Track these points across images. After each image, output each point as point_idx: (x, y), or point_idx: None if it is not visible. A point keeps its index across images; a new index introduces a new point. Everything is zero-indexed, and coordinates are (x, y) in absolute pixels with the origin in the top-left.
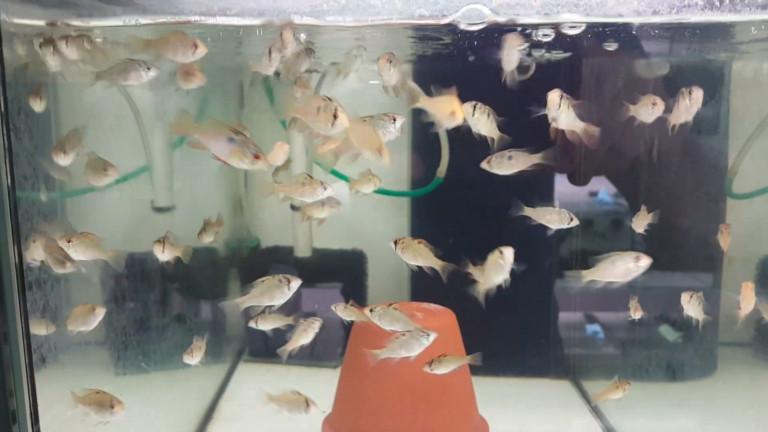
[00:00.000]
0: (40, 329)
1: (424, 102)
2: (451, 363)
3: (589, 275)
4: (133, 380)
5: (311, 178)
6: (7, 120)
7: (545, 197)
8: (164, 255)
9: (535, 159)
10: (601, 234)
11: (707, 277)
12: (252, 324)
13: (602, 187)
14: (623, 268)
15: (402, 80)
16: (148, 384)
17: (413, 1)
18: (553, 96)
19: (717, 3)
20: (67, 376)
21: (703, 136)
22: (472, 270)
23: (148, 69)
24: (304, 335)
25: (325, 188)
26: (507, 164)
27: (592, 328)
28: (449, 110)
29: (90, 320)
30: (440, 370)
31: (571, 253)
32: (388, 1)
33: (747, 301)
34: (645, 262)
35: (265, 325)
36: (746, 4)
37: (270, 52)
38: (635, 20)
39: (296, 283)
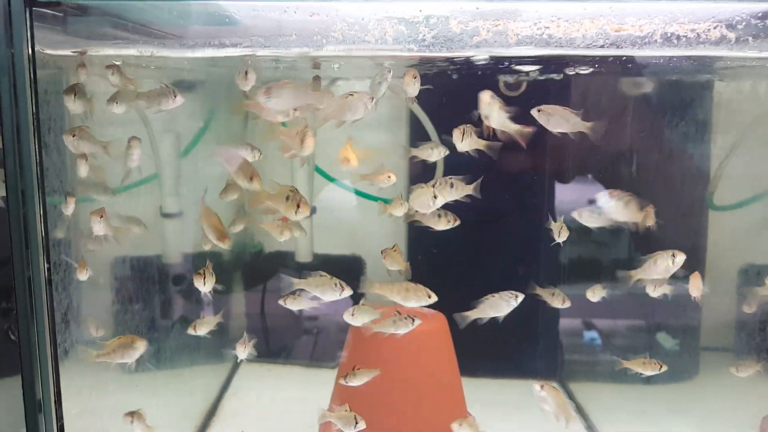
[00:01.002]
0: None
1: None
2: (364, 375)
3: (636, 275)
4: (142, 378)
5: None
6: (39, 138)
7: (538, 202)
8: (206, 287)
9: (469, 189)
10: (591, 241)
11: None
12: (190, 330)
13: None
14: (664, 266)
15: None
16: (156, 382)
17: (403, 39)
18: (484, 96)
19: (674, 41)
20: (79, 374)
21: (687, 152)
22: (540, 291)
23: (175, 96)
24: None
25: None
26: (449, 191)
27: (580, 332)
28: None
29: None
30: (355, 382)
31: (561, 257)
32: (380, 38)
33: (695, 288)
34: (680, 258)
35: (202, 329)
36: (701, 41)
37: (246, 72)
38: (598, 53)
39: (348, 292)
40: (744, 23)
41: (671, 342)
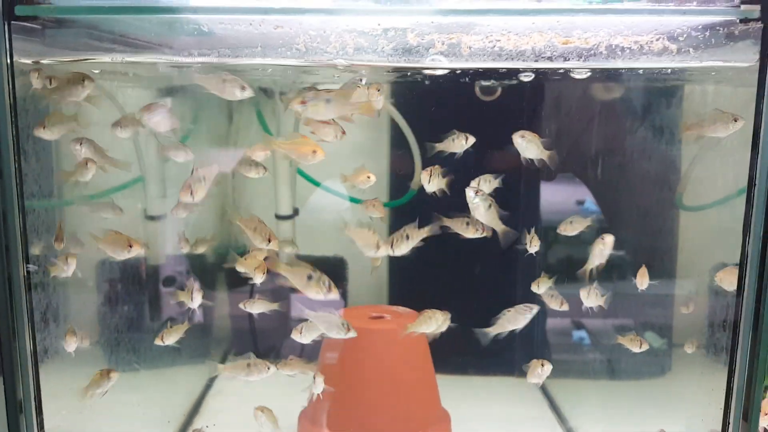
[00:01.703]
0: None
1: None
2: (296, 365)
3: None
4: (126, 377)
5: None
6: (18, 145)
7: (515, 204)
8: (194, 302)
9: (424, 233)
10: (567, 242)
11: (661, 284)
12: (158, 341)
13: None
14: (598, 249)
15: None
16: (139, 380)
17: (364, 49)
18: (293, 106)
19: (618, 52)
20: (63, 373)
21: (657, 154)
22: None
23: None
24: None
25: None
26: (405, 243)
27: (556, 330)
28: (309, 150)
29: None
30: (286, 370)
31: (540, 257)
32: (341, 49)
33: (642, 279)
34: (609, 239)
35: (170, 339)
36: (644, 52)
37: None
38: (546, 66)
39: (352, 334)
40: (685, 35)
41: (659, 341)
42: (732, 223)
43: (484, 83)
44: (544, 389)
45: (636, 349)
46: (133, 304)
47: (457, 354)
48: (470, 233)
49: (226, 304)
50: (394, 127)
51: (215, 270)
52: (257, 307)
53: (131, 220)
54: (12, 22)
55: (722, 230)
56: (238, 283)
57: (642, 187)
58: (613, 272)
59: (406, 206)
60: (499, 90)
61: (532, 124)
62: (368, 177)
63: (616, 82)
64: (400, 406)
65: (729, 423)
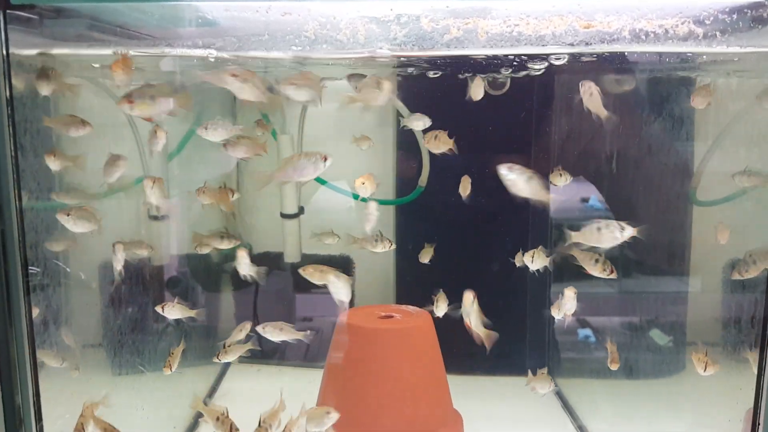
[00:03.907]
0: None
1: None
2: (237, 351)
3: (576, 237)
4: (130, 379)
5: None
6: (15, 139)
7: (524, 201)
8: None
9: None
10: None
11: (675, 281)
12: (166, 370)
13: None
14: (608, 235)
15: None
16: (144, 383)
17: (374, 38)
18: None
19: (643, 37)
20: (67, 377)
21: (670, 148)
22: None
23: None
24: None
25: None
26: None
27: (568, 328)
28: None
29: None
30: (226, 358)
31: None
32: (352, 37)
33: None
34: (629, 231)
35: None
36: (669, 36)
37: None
38: (566, 50)
39: None
40: (712, 18)
41: (665, 339)
42: (744, 218)
43: (495, 76)
44: (558, 389)
45: (700, 371)
46: (137, 306)
47: (468, 354)
48: (597, 271)
49: (231, 305)
50: (400, 123)
51: (220, 271)
52: (175, 313)
53: (135, 221)
54: (8, 11)
55: (736, 226)
56: (243, 283)
57: (656, 182)
58: (626, 269)
59: (413, 204)
60: (508, 83)
61: (542, 119)
62: (363, 184)
63: (634, 71)
64: (410, 407)
65: (759, 423)
